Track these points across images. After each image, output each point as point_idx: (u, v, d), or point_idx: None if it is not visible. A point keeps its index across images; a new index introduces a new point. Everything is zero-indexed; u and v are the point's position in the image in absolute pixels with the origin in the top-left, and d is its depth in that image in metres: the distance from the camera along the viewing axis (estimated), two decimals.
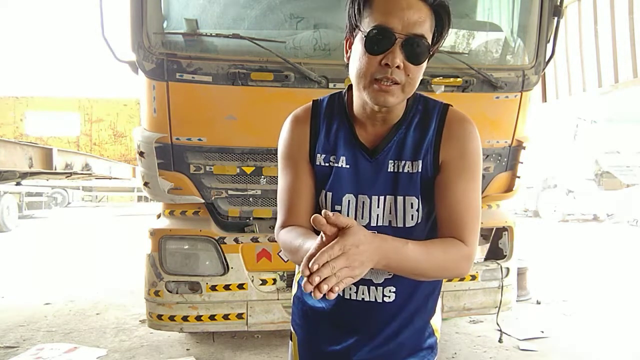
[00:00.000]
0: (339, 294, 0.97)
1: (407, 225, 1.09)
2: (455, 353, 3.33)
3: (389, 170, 1.09)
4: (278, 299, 2.78)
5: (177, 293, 2.74)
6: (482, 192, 2.95)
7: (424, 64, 1.01)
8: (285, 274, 2.85)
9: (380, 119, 1.09)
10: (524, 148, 2.89)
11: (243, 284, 2.75)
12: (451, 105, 1.13)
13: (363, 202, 1.10)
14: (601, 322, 4.03)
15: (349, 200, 1.11)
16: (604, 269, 6.36)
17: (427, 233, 1.12)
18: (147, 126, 2.61)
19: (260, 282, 2.80)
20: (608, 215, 12.19)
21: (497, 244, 3.10)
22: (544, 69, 2.79)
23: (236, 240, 2.74)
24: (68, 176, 5.53)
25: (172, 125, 2.53)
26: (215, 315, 2.75)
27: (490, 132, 2.80)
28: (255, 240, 2.76)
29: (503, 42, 2.87)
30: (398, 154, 1.09)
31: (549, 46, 2.75)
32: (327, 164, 1.13)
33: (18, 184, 6.02)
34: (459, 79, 2.60)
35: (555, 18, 2.73)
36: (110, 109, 9.86)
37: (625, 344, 3.51)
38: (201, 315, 2.74)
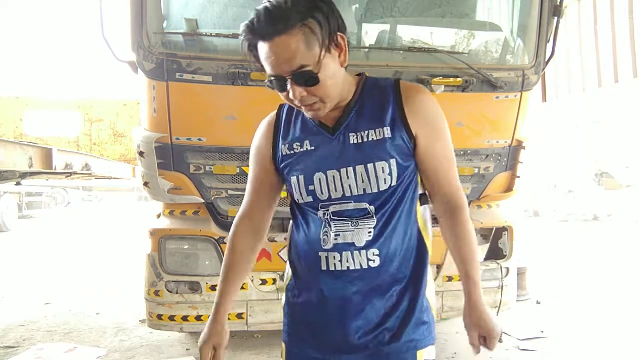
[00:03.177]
0: (322, 269, 1.17)
1: (380, 189, 1.15)
2: (455, 353, 3.33)
3: (351, 142, 1.16)
4: (278, 299, 2.78)
5: (177, 293, 2.74)
6: (482, 192, 2.96)
7: (326, 73, 1.07)
8: (285, 274, 2.85)
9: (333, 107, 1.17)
10: (524, 148, 2.89)
11: (243, 283, 2.75)
12: (399, 80, 1.21)
13: (333, 176, 1.16)
14: (601, 322, 4.03)
15: (319, 179, 1.17)
16: (604, 269, 6.36)
17: (402, 194, 1.18)
18: (147, 126, 2.61)
19: (260, 282, 2.80)
20: (608, 215, 12.19)
21: (497, 244, 3.10)
22: (544, 69, 2.79)
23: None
24: (68, 176, 5.53)
25: (172, 125, 2.53)
26: None
27: (490, 132, 2.80)
28: None
29: (503, 42, 2.87)
30: (357, 126, 1.17)
31: (549, 46, 2.74)
32: (292, 152, 1.22)
33: (18, 184, 6.02)
34: (459, 79, 2.60)
35: (555, 18, 2.72)
36: (110, 109, 9.85)
37: (625, 344, 3.51)
38: (201, 315, 2.74)
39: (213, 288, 2.74)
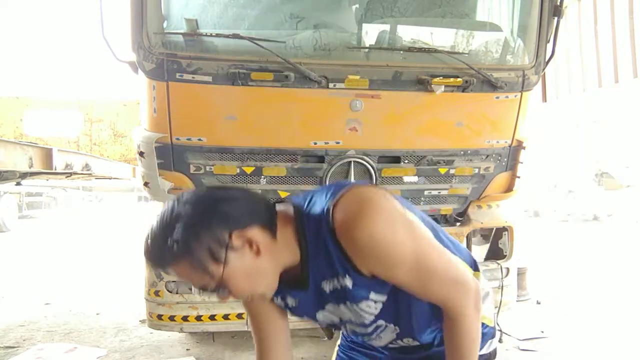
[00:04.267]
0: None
1: (376, 313, 1.14)
2: None
3: (326, 290, 1.11)
4: None
5: (177, 293, 2.74)
6: (482, 192, 2.95)
7: (237, 280, 1.01)
8: None
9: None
10: (524, 148, 2.89)
11: None
12: (333, 209, 1.03)
13: (330, 311, 1.17)
14: (601, 322, 4.03)
15: (322, 315, 1.20)
16: (604, 269, 6.36)
17: (410, 302, 1.14)
18: (147, 126, 2.60)
19: None
20: (608, 215, 12.19)
21: (497, 244, 3.10)
22: (544, 69, 2.79)
23: None
24: (68, 176, 5.52)
25: (172, 125, 2.53)
26: (215, 315, 2.75)
27: (490, 132, 2.80)
28: None
29: (503, 42, 2.87)
30: (323, 276, 1.10)
31: (549, 46, 2.74)
32: (283, 302, 1.20)
33: (18, 184, 6.00)
34: (459, 79, 2.60)
35: (555, 18, 2.73)
36: (110, 109, 9.83)
37: (625, 344, 3.51)
38: (201, 315, 2.74)
39: None
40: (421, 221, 1.13)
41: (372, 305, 1.12)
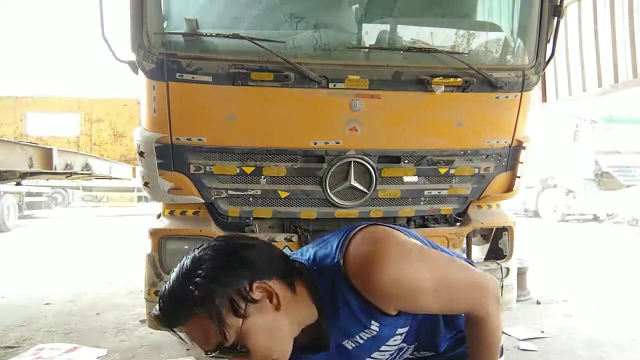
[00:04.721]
0: None
1: (399, 342, 1.14)
2: None
3: (349, 347, 1.10)
4: None
5: None
6: (482, 192, 2.95)
7: (256, 336, 0.96)
8: None
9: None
10: (524, 148, 2.89)
11: None
12: (343, 260, 1.01)
13: None
14: (601, 322, 4.03)
15: None
16: (604, 268, 6.36)
17: (427, 323, 1.15)
18: (147, 126, 2.60)
19: None
20: (608, 215, 12.19)
21: (497, 244, 3.10)
22: (544, 69, 2.79)
23: None
24: (68, 176, 5.53)
25: (172, 125, 2.52)
26: None
27: (491, 132, 2.79)
28: None
29: (503, 42, 2.87)
30: (345, 334, 1.08)
31: (549, 46, 2.74)
32: None
33: (18, 184, 6.01)
34: (459, 79, 2.60)
35: (555, 18, 2.73)
36: (110, 109, 9.83)
37: (625, 344, 3.51)
38: None
39: None
40: (422, 243, 1.13)
41: (399, 338, 1.12)
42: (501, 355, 1.26)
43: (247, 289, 0.95)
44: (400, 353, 1.21)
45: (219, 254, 0.97)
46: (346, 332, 1.06)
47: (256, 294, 0.96)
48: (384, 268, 0.96)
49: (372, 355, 1.13)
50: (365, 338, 1.06)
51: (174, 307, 0.95)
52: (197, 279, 0.93)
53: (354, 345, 1.08)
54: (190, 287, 0.93)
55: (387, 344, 1.11)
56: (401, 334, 1.12)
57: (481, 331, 1.11)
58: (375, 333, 1.06)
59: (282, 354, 1.00)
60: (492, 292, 1.10)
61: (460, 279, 1.07)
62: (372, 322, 1.04)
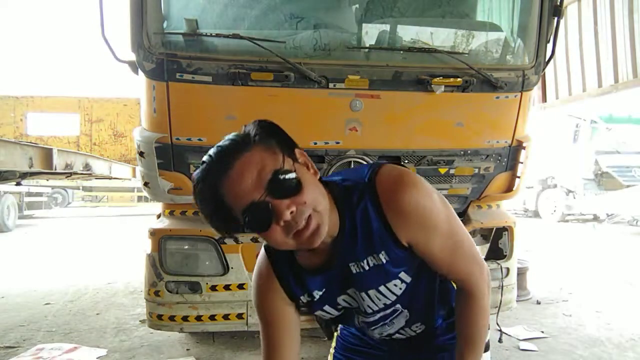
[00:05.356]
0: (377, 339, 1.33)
1: (398, 294, 1.16)
2: None
3: (354, 272, 1.11)
4: None
5: (177, 293, 2.74)
6: (482, 192, 2.95)
7: (305, 177, 0.97)
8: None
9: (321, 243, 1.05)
10: (524, 148, 2.88)
11: (243, 284, 2.75)
12: (374, 177, 1.06)
13: (352, 297, 1.18)
14: (601, 322, 4.03)
15: (342, 308, 1.21)
16: (604, 268, 6.36)
17: (425, 286, 1.19)
18: (147, 126, 2.61)
19: None
20: (608, 215, 12.18)
21: (497, 244, 3.10)
22: (544, 69, 2.79)
23: (236, 240, 2.74)
24: (68, 176, 5.54)
25: (172, 125, 2.52)
26: (215, 315, 2.75)
27: (491, 132, 2.80)
28: (255, 240, 2.76)
29: (503, 42, 2.87)
30: (353, 256, 1.10)
31: (549, 46, 2.74)
32: (309, 299, 1.18)
33: (18, 184, 6.02)
34: (459, 79, 2.60)
35: (555, 18, 2.73)
36: (110, 109, 9.85)
37: (625, 344, 3.51)
38: (201, 315, 2.74)
39: (213, 288, 2.74)
40: None
41: (399, 284, 1.14)
42: (487, 350, 1.29)
43: (293, 146, 1.00)
44: (395, 315, 1.21)
45: (263, 123, 1.00)
46: (356, 253, 1.09)
47: (299, 156, 1.00)
48: (412, 191, 1.03)
49: (369, 293, 1.14)
50: (371, 265, 1.09)
51: (232, 145, 0.95)
52: (251, 131, 0.97)
53: (358, 270, 1.11)
54: (248, 135, 0.96)
55: (387, 285, 1.13)
56: (402, 282, 1.13)
57: (472, 305, 1.15)
58: (381, 262, 1.09)
59: (324, 213, 0.98)
60: (486, 275, 1.16)
61: (466, 243, 1.13)
62: (383, 251, 1.08)
